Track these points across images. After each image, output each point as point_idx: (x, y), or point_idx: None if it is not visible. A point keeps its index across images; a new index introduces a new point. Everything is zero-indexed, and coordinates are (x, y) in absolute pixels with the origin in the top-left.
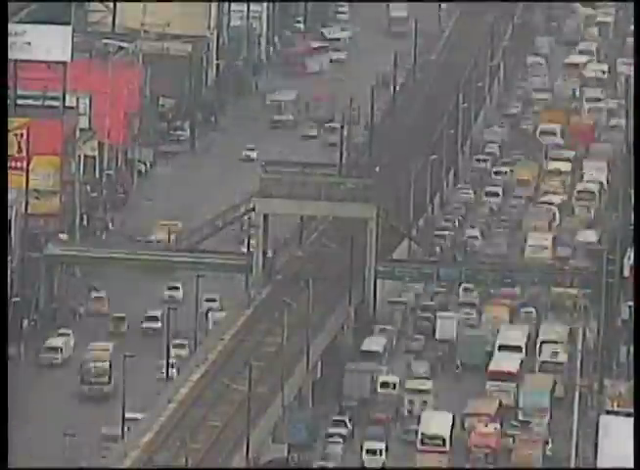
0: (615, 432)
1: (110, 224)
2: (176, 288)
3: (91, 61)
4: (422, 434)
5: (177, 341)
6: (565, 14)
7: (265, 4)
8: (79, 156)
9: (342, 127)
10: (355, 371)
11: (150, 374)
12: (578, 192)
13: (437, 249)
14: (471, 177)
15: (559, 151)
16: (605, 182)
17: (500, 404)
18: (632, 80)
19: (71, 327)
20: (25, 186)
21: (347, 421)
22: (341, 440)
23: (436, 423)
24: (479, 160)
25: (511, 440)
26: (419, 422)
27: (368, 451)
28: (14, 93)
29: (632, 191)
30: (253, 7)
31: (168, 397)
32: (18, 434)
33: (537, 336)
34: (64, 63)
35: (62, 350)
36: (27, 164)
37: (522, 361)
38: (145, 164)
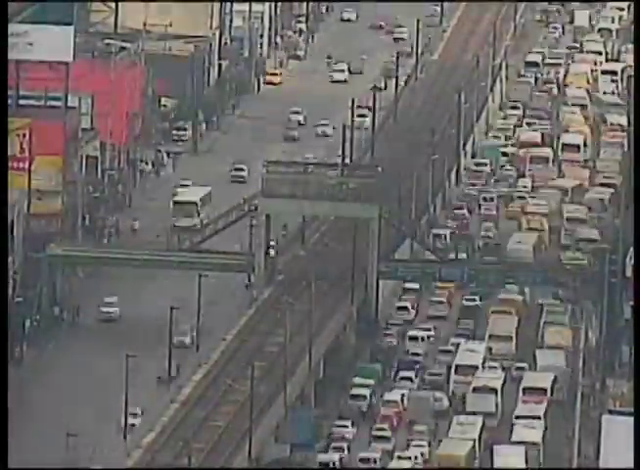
0: (617, 431)
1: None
2: None
3: (93, 61)
4: None
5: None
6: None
7: (267, 4)
8: (81, 156)
9: (343, 127)
10: None
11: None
12: None
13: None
14: None
15: None
16: None
17: None
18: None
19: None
20: (28, 186)
21: None
22: None
23: None
24: None
25: None
26: None
27: None
28: (16, 93)
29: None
30: (255, 7)
31: (171, 397)
32: None
33: None
34: (66, 63)
35: None
36: (30, 165)
37: None
38: (147, 164)
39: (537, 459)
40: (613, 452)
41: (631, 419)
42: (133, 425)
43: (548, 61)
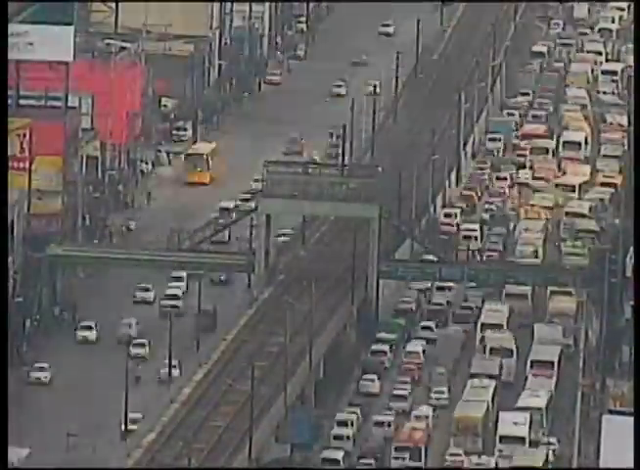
0: (617, 431)
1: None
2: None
3: (93, 61)
4: None
5: None
6: None
7: (267, 4)
8: (82, 156)
9: (343, 127)
10: None
11: None
12: None
13: None
14: None
15: None
16: None
17: None
18: (633, 80)
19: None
20: (28, 186)
21: None
22: None
23: None
24: None
25: None
26: None
27: None
28: (16, 93)
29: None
30: (255, 7)
31: (171, 397)
32: None
33: None
34: (66, 63)
35: None
36: (30, 165)
37: None
38: (147, 164)
39: None
40: (613, 452)
41: (631, 419)
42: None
43: (560, 41)
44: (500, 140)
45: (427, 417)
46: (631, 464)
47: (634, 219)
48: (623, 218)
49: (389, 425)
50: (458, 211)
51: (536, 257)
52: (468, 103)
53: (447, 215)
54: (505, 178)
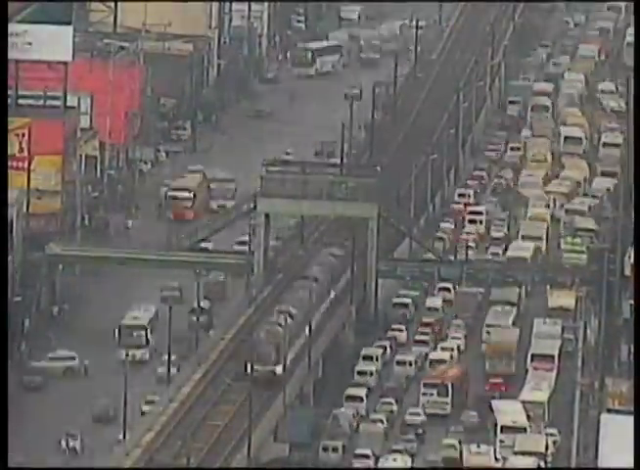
0: (616, 431)
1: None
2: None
3: (92, 61)
4: None
5: None
6: None
7: (266, 3)
8: (81, 155)
9: (342, 126)
10: None
11: None
12: None
13: None
14: None
15: None
16: None
17: None
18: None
19: None
20: (27, 186)
21: None
22: None
23: None
24: None
25: None
26: None
27: None
28: (15, 93)
29: (633, 189)
30: (255, 6)
31: (170, 396)
32: None
33: None
34: (65, 63)
35: None
36: (29, 164)
37: None
38: (146, 164)
39: None
40: (612, 452)
41: (631, 418)
42: None
43: None
44: (520, 103)
45: (452, 349)
46: (631, 464)
47: (634, 219)
48: (622, 216)
49: (411, 364)
50: (471, 191)
51: (544, 220)
52: (466, 102)
53: (461, 195)
54: (519, 148)
